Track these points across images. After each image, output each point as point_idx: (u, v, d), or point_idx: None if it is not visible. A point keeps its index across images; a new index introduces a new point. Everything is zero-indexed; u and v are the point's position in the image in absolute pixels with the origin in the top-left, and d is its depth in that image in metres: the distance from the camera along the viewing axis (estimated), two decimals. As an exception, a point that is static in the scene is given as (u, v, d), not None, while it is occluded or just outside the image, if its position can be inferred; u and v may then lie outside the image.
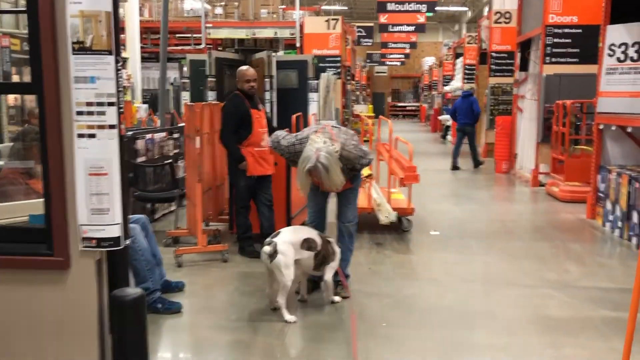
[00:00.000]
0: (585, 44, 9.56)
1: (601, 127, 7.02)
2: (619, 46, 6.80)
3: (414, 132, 24.32)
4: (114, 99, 2.50)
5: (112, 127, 2.50)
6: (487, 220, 7.28)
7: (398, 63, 33.90)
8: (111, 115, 2.50)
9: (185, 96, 11.21)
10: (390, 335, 3.70)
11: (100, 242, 2.54)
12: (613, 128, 6.83)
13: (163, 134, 7.16)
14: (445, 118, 20.42)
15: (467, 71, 18.27)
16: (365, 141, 18.96)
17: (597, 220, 7.09)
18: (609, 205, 6.67)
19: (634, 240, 5.98)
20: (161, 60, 7.95)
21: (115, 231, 2.56)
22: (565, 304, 4.24)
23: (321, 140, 3.96)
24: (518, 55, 11.51)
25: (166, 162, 6.46)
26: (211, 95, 10.11)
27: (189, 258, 5.33)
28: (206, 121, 5.83)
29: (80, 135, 2.48)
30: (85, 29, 2.43)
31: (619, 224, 6.33)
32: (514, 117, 11.78)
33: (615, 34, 6.83)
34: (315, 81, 11.37)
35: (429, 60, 33.14)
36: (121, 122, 2.53)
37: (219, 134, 5.41)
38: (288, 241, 3.98)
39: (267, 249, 3.90)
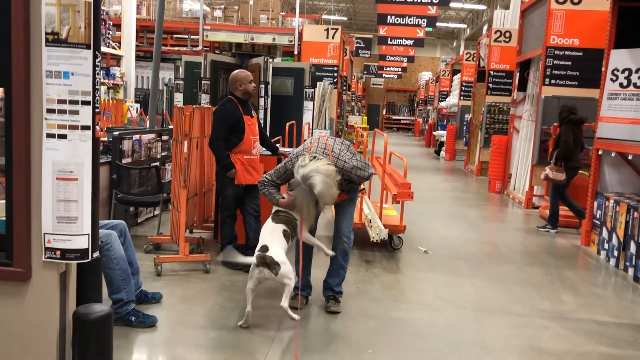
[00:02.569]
0: (585, 67, 9.46)
1: (600, 152, 6.88)
2: (622, 71, 6.67)
3: (407, 146, 24.22)
4: (89, 98, 2.29)
5: (85, 128, 2.28)
6: (478, 241, 7.09)
7: (395, 76, 33.88)
8: (85, 115, 2.29)
9: (179, 98, 11.01)
10: (376, 363, 3.49)
11: (65, 253, 2.32)
12: (613, 154, 6.68)
13: (151, 136, 6.93)
14: (440, 134, 20.34)
15: (464, 88, 18.18)
16: (359, 152, 18.80)
17: (591, 248, 6.92)
18: (605, 233, 6.51)
19: (630, 271, 5.81)
20: (154, 59, 7.74)
21: (83, 242, 2.34)
22: (561, 337, 4.05)
23: (306, 161, 3.81)
24: (517, 75, 11.40)
25: (152, 165, 6.23)
26: (204, 98, 9.92)
27: (169, 267, 5.10)
28: (197, 125, 5.62)
29: (50, 135, 2.26)
30: (61, 19, 2.22)
31: (615, 253, 6.17)
32: (510, 137, 11.66)
33: (619, 58, 6.71)
34: (311, 90, 11.19)
35: (425, 75, 33.17)
36: (97, 123, 2.32)
37: (209, 139, 5.20)
38: (281, 249, 3.88)
39: (270, 266, 3.76)
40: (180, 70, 11.53)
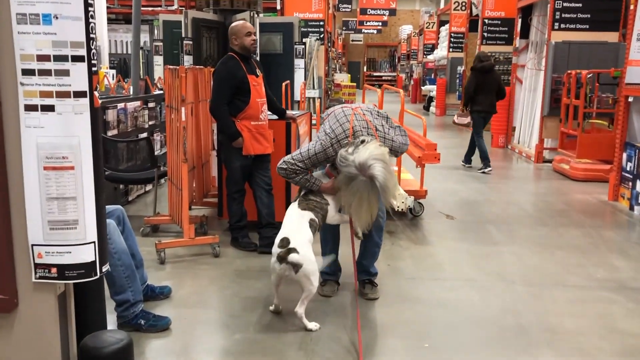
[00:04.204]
0: (597, 9, 8.86)
1: (630, 99, 6.33)
2: (654, 9, 6.08)
3: (393, 103, 23.50)
4: (82, 51, 1.62)
5: (79, 95, 1.62)
6: (499, 201, 6.58)
7: (374, 31, 32.88)
8: (78, 76, 1.63)
9: (158, 60, 10.18)
10: (439, 361, 2.95)
11: (63, 270, 1.68)
12: (647, 101, 6.15)
13: (137, 103, 6.20)
14: (429, 88, 19.71)
15: (453, 39, 17.49)
16: (347, 112, 18.11)
17: (621, 203, 6.45)
18: (639, 187, 6.03)
19: (674, 227, 5.36)
20: (134, 19, 6.93)
21: (88, 254, 1.71)
22: (634, 312, 3.56)
23: (361, 133, 3.23)
24: (519, 22, 10.75)
25: (142, 136, 5.54)
26: (187, 60, 9.14)
27: (172, 252, 4.48)
28: (190, 89, 4.92)
29: (30, 108, 1.60)
30: (33, -64, 1.52)
31: (654, 208, 5.70)
32: (513, 88, 11.08)
33: (651, -6, 6.10)
34: (302, 46, 10.44)
35: (406, 29, 32.27)
36: (94, 87, 1.66)
37: (210, 105, 4.51)
38: (307, 242, 3.23)
39: (292, 257, 3.14)
40: (156, 31, 10.67)
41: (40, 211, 1.63)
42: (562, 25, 8.96)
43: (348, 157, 3.10)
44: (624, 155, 6.44)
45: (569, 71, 8.33)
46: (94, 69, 1.64)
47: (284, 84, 7.80)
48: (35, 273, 1.67)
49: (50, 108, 1.58)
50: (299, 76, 10.34)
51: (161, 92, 7.36)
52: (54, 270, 1.67)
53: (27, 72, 1.57)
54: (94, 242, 1.70)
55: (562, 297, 3.80)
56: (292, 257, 3.14)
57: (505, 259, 4.55)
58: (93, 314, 1.92)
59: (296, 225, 3.30)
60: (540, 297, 3.79)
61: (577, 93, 8.04)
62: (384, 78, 37.68)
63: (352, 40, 37.92)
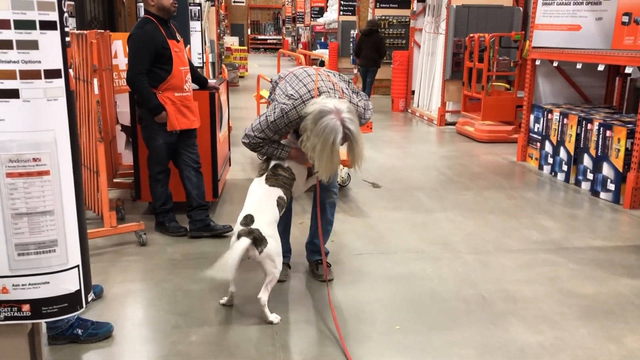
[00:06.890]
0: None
1: (538, 62, 6.56)
2: (558, -26, 6.27)
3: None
4: (53, 15, 1.23)
5: (52, 74, 1.22)
6: (418, 166, 6.62)
7: (257, -8, 32.08)
8: (50, 50, 1.22)
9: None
10: (416, 343, 2.81)
11: (39, 307, 1.30)
12: (555, 64, 6.39)
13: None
14: (321, 52, 19.54)
15: (344, 2, 17.38)
16: (241, 77, 17.51)
17: (530, 163, 6.74)
18: (548, 147, 6.30)
19: (584, 185, 5.66)
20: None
21: (71, 282, 1.34)
22: (579, 274, 3.66)
23: (328, 94, 3.04)
24: (416, -15, 10.82)
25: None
26: (71, 23, 8.21)
27: (91, 244, 3.96)
28: (102, 57, 4.32)
29: (-18, 94, 1.17)
30: None
31: (564, 167, 5.99)
32: (411, 52, 11.21)
33: (555, -40, 6.28)
34: (197, 7, 9.77)
35: (290, -9, 31.75)
36: (69, 64, 1.26)
37: (127, 76, 3.97)
38: (273, 221, 3.02)
39: (256, 234, 2.89)
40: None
41: (4, 232, 1.22)
42: (460, -11, 9.10)
43: (314, 106, 2.84)
44: (532, 117, 6.69)
45: (471, 35, 8.50)
46: (67, 39, 1.24)
47: (188, 49, 7.23)
48: (1, 313, 1.27)
49: (12, 94, 1.16)
50: (195, 40, 9.72)
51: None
52: (25, 307, 1.27)
53: (-24, 44, 1.14)
54: (78, 267, 1.32)
55: (510, 263, 3.84)
56: (257, 234, 2.87)
57: (444, 227, 4.53)
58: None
59: (263, 202, 3.03)
60: (489, 264, 3.80)
61: (480, 56, 8.24)
62: (269, 41, 37.04)
63: (234, 2, 36.71)
